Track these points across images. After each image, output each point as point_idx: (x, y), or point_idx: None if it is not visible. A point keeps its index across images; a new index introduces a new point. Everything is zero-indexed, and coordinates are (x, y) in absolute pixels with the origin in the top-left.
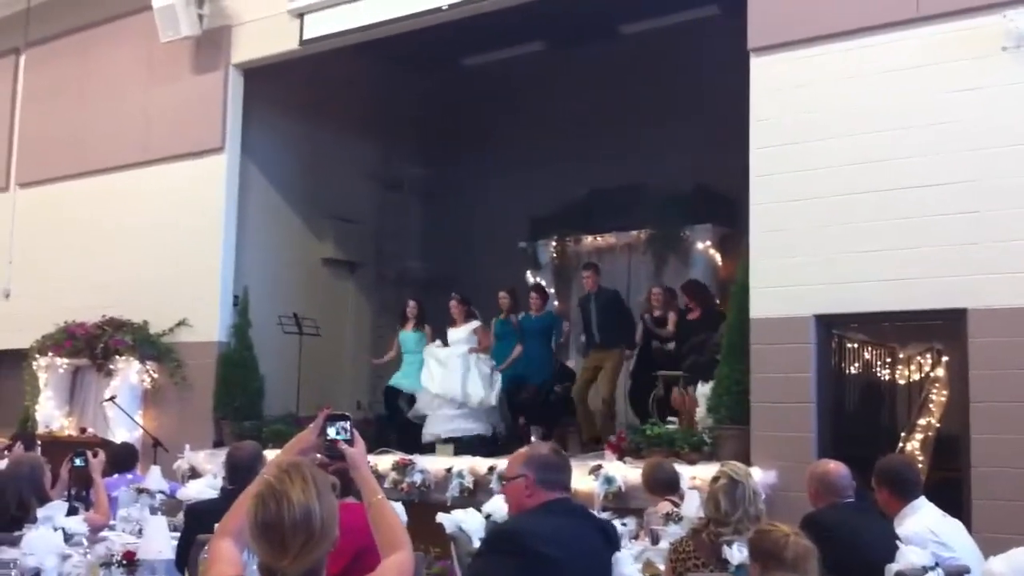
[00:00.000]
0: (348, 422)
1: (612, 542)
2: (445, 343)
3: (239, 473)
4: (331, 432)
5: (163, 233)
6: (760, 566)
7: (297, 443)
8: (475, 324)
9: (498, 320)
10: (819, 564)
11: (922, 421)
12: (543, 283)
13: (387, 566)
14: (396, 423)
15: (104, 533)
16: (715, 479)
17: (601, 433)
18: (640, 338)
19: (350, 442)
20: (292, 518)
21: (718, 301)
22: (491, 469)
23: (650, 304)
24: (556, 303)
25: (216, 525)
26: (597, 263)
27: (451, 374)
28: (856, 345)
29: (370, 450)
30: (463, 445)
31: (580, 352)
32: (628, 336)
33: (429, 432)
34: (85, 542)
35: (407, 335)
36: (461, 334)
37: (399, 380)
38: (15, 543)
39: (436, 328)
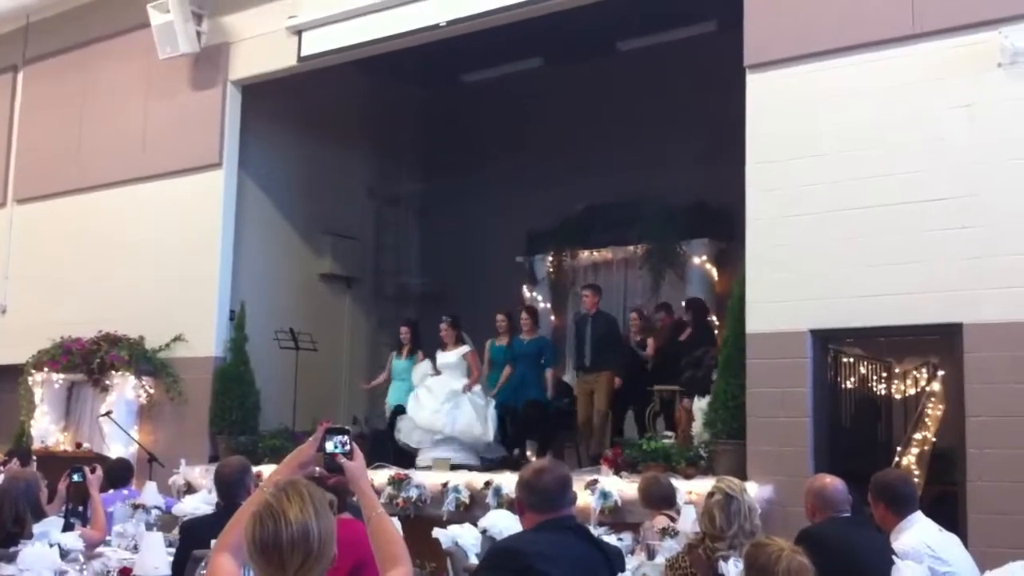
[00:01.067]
0: (347, 436)
1: (613, 564)
2: (435, 365)
3: (229, 489)
4: (330, 446)
5: (160, 248)
6: None
7: (296, 456)
8: (465, 349)
9: (494, 345)
10: None
11: (918, 435)
12: (536, 304)
13: None
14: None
15: (100, 549)
16: (710, 494)
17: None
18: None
19: (349, 456)
20: (290, 536)
21: (714, 318)
22: (487, 484)
23: (628, 330)
24: (552, 318)
25: (212, 540)
26: (599, 285)
27: (440, 409)
28: (852, 360)
29: (367, 465)
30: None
31: (575, 366)
32: (618, 363)
33: (424, 458)
34: (81, 558)
35: (399, 363)
36: (451, 358)
37: (393, 399)
38: (11, 559)
39: (429, 352)
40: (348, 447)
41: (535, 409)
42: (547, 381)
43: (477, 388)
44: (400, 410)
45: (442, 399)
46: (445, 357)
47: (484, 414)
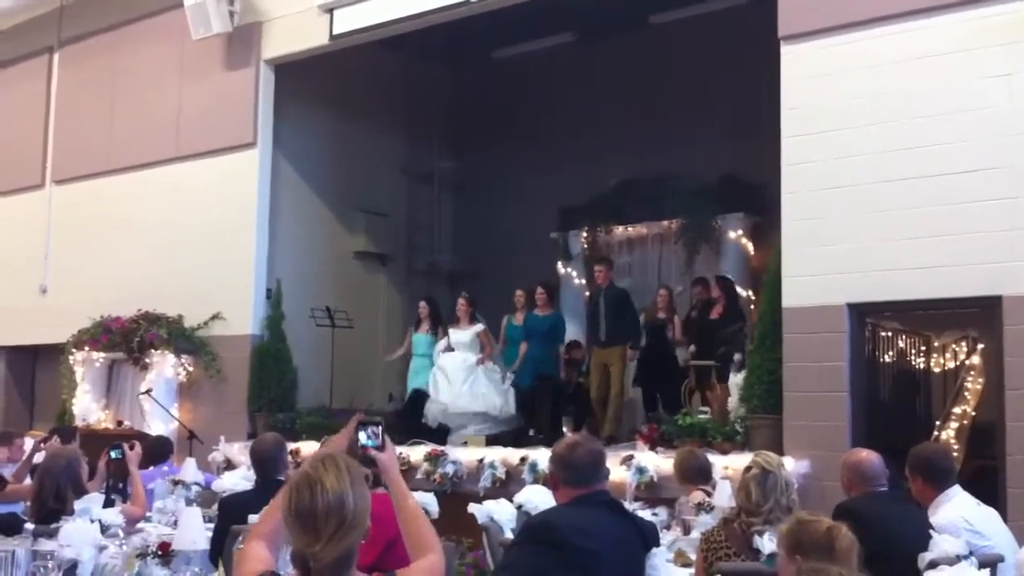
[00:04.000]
0: (380, 427)
1: (648, 539)
2: (448, 342)
3: (265, 465)
4: (362, 438)
5: (196, 228)
6: (804, 556)
7: (328, 448)
8: (479, 327)
9: (510, 324)
10: (860, 556)
11: (957, 409)
12: (565, 279)
13: (417, 568)
14: (416, 423)
15: (140, 524)
16: (747, 469)
17: (615, 430)
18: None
19: (380, 448)
20: (326, 503)
21: (750, 293)
22: (523, 460)
23: (655, 306)
24: (587, 294)
25: (251, 516)
26: (611, 258)
27: (460, 391)
28: (890, 333)
29: (402, 442)
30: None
31: (591, 342)
32: (632, 335)
33: (459, 437)
34: (121, 533)
35: (419, 338)
36: (465, 337)
37: (414, 382)
38: (53, 535)
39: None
40: (380, 440)
41: (548, 384)
42: (559, 358)
43: (490, 363)
44: (419, 394)
45: (460, 380)
46: (459, 335)
47: (500, 387)
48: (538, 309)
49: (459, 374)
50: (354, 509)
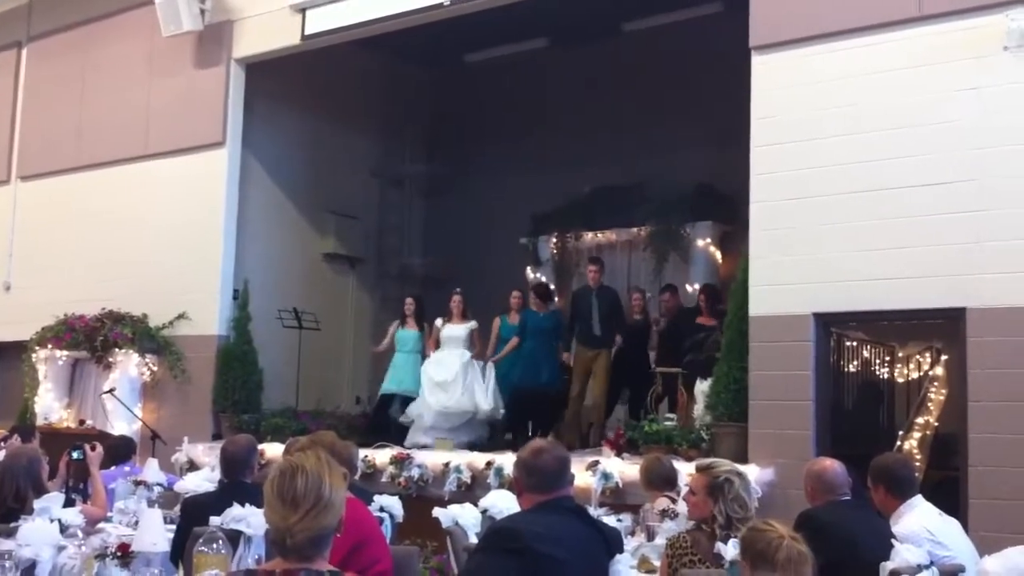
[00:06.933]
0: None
1: (611, 545)
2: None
3: (234, 467)
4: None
5: (163, 227)
6: (749, 565)
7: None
8: (473, 325)
9: (505, 323)
10: (814, 566)
11: (920, 420)
12: (545, 282)
13: None
14: (383, 427)
15: (101, 525)
16: (727, 482)
17: (588, 433)
18: (621, 340)
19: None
20: (305, 482)
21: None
22: (489, 464)
23: (631, 309)
24: (556, 299)
25: (213, 518)
26: (602, 259)
27: (457, 388)
28: (855, 343)
29: (368, 445)
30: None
31: (578, 340)
32: (618, 336)
33: (413, 440)
34: (80, 534)
35: (406, 333)
36: (460, 332)
37: (389, 386)
38: (11, 534)
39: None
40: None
41: (546, 400)
42: (561, 358)
43: (478, 362)
44: (389, 398)
45: (458, 381)
46: (453, 330)
47: (490, 388)
48: (536, 308)
49: (458, 373)
50: (330, 491)
